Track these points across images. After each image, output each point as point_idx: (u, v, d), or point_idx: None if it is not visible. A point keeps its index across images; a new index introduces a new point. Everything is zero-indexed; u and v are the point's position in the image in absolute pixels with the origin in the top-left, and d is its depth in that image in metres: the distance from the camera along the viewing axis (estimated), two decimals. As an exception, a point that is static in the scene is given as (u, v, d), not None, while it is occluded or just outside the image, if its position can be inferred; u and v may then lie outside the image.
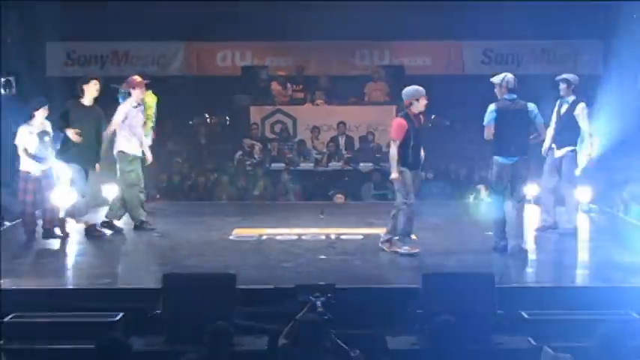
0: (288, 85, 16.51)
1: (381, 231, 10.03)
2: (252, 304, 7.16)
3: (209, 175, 14.56)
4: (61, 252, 9.49)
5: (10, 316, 7.19)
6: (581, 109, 10.09)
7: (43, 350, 6.85)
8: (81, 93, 9.86)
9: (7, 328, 7.00)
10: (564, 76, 10.26)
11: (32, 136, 9.61)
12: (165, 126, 14.69)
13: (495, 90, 9.27)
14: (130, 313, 7.19)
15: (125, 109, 10.16)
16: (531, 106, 9.26)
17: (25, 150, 9.58)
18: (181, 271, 8.01)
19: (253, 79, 16.70)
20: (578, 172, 10.28)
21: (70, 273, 8.76)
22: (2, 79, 13.55)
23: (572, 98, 10.21)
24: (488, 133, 9.17)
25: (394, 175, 8.99)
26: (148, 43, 16.97)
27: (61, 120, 9.75)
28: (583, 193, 11.95)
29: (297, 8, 15.59)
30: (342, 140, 15.56)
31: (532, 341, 6.81)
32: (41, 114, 9.67)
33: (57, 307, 7.38)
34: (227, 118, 16.70)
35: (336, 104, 16.47)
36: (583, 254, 9.66)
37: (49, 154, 9.72)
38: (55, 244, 9.69)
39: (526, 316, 7.15)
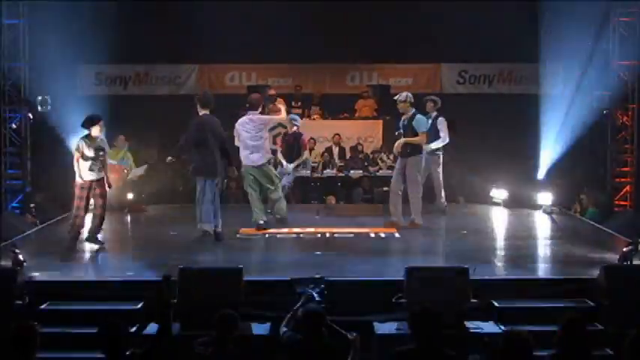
0: (279, 99, 16.35)
1: (369, 230, 10.06)
2: (257, 294, 7.14)
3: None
4: (90, 249, 9.45)
5: (46, 304, 7.18)
6: (442, 122, 11.00)
7: (73, 334, 6.83)
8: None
9: (44, 314, 6.99)
10: (432, 97, 11.19)
11: (88, 149, 8.97)
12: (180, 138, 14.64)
13: (400, 105, 10.16)
14: (149, 302, 7.17)
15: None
16: None
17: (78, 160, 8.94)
18: (195, 266, 7.98)
19: (257, 96, 16.63)
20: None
21: (98, 267, 8.72)
22: (39, 98, 13.54)
23: (435, 114, 11.05)
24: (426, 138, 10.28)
25: None
26: (165, 65, 16.94)
27: None
28: (545, 197, 11.99)
29: (295, 35, 15.57)
30: (335, 150, 15.52)
31: (501, 326, 6.81)
32: (97, 129, 9.05)
33: (86, 297, 7.37)
34: (234, 130, 16.61)
35: (330, 119, 16.44)
36: (545, 250, 9.66)
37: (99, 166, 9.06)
38: (85, 243, 9.64)
39: (496, 304, 7.14)
